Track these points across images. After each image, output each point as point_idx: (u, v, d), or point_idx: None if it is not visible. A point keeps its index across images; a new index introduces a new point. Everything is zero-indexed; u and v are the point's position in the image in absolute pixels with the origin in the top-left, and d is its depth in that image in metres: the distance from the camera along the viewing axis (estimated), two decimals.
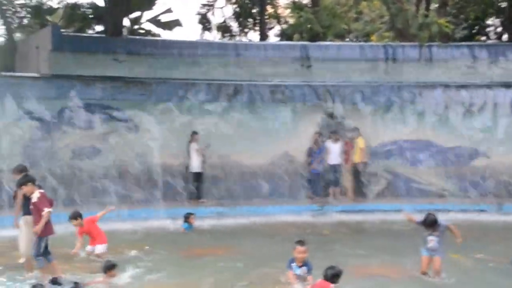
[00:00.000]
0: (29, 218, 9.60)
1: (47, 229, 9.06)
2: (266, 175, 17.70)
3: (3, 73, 16.78)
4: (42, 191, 9.36)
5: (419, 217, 9.33)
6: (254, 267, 10.22)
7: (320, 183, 17.80)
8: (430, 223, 9.04)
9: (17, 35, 22.49)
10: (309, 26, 20.51)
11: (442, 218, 9.28)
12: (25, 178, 9.67)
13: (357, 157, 17.66)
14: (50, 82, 16.52)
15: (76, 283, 8.77)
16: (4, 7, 21.47)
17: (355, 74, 18.71)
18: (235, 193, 17.23)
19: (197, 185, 17.06)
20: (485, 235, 13.51)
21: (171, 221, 14.64)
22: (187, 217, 14.21)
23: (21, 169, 10.38)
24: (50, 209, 8.98)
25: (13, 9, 22.48)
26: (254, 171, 17.61)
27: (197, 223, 14.62)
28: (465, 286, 9.16)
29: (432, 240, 9.08)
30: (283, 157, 17.92)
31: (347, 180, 17.97)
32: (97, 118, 16.82)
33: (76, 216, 11.02)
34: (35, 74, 16.86)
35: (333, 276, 8.37)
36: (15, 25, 22.54)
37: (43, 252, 9.17)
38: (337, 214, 16.29)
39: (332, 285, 8.19)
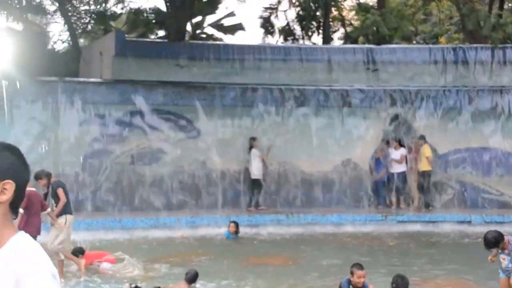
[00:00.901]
0: (69, 217, 10.23)
1: (31, 230, 9.08)
2: (328, 182, 17.51)
3: (67, 78, 17.26)
4: (32, 189, 9.50)
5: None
6: (313, 279, 10.14)
7: (384, 191, 17.47)
8: (487, 244, 7.95)
9: (81, 41, 23.16)
10: (375, 28, 20.28)
11: None
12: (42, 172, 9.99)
13: (422, 166, 17.17)
14: (113, 87, 16.95)
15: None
16: (69, 14, 22.13)
17: (424, 78, 18.36)
18: (295, 200, 17.19)
19: (256, 192, 17.03)
20: None
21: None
22: (229, 226, 14.23)
23: (47, 174, 10.69)
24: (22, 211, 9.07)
25: (78, 15, 23.16)
26: (316, 179, 17.48)
27: (254, 231, 14.72)
28: None
29: (504, 259, 7.96)
30: (347, 165, 17.70)
31: (412, 189, 17.58)
32: (158, 123, 17.06)
33: (77, 253, 10.77)
34: (98, 79, 17.31)
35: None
36: (79, 31, 23.19)
37: None
38: (401, 224, 15.94)
39: None
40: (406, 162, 17.36)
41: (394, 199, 17.34)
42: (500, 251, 7.93)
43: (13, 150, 2.26)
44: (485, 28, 18.43)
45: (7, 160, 2.21)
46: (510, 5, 23.45)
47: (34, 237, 9.24)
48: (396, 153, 17.23)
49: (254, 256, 12.31)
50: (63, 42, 24.24)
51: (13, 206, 2.22)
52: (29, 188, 9.44)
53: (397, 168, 17.23)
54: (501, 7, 22.09)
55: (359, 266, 8.28)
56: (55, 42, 24.56)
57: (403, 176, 17.31)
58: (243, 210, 16.73)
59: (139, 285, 9.03)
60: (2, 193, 2.16)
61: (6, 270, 2.09)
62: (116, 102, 16.75)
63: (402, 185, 17.38)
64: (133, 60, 17.29)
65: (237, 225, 14.24)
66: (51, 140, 15.88)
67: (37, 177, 10.46)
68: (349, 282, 8.26)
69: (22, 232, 2.23)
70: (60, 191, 10.41)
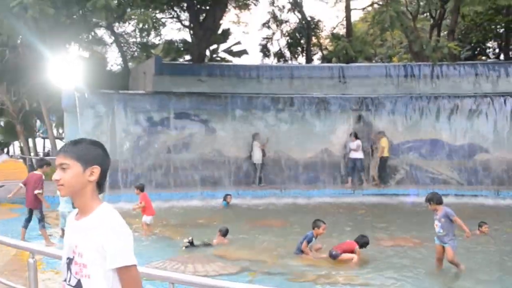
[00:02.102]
0: None
1: (38, 203, 9.18)
2: (311, 165, 17.50)
3: (120, 91, 17.35)
4: (37, 173, 9.37)
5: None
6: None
7: (353, 172, 17.26)
8: (426, 199, 7.48)
9: (130, 64, 23.21)
10: (344, 51, 20.22)
11: (449, 201, 8.05)
12: (42, 161, 9.81)
13: (380, 153, 17.07)
14: (153, 97, 16.97)
15: (208, 243, 9.07)
16: (122, 44, 22.25)
17: (381, 88, 18.32)
18: (287, 179, 17.18)
19: (258, 173, 17.03)
20: (480, 213, 12.56)
21: (241, 200, 14.82)
22: (225, 197, 14.22)
23: None
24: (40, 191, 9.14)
25: (128, 46, 23.29)
26: (302, 163, 17.47)
27: (257, 201, 14.75)
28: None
29: (436, 225, 7.35)
30: (324, 152, 17.66)
31: (373, 171, 17.52)
32: (186, 123, 17.11)
33: (139, 187, 10.71)
34: (143, 92, 17.35)
35: (363, 244, 8.35)
36: (129, 57, 23.29)
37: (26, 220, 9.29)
38: (366, 196, 15.92)
39: (357, 246, 8.22)
40: (363, 151, 17.08)
41: (349, 179, 17.04)
42: (435, 217, 7.38)
43: (99, 144, 2.35)
44: (427, 50, 18.34)
45: (95, 152, 2.29)
46: (445, 32, 23.33)
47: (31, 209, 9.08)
48: (353, 144, 17.02)
49: (258, 220, 12.31)
50: (117, 65, 24.43)
51: (99, 184, 2.30)
52: (35, 172, 9.47)
53: (355, 155, 16.99)
54: (438, 34, 22.05)
55: (322, 221, 8.53)
56: (111, 65, 24.73)
57: (360, 161, 17.02)
58: (248, 186, 16.78)
59: (194, 242, 9.05)
60: (91, 175, 2.26)
61: (92, 237, 2.20)
62: (156, 108, 16.79)
63: (359, 168, 17.05)
64: (168, 77, 17.33)
65: (231, 196, 14.23)
66: (110, 136, 15.86)
67: None
68: (313, 233, 8.43)
69: (105, 203, 2.32)
70: None
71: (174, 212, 13.36)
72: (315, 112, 17.83)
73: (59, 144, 22.64)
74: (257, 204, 14.69)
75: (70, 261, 2.25)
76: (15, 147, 29.39)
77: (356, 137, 17.07)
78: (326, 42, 26.58)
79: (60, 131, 27.78)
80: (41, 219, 9.22)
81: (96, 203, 2.26)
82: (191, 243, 8.97)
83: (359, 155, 16.94)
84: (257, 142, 16.97)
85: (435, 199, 7.38)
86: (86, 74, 16.18)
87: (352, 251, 8.25)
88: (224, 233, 9.48)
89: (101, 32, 22.53)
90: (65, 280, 2.29)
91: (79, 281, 2.21)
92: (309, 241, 8.45)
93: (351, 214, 13.35)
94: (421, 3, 22.16)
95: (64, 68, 15.17)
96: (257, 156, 16.91)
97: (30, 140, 25.62)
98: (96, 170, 2.25)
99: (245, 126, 17.49)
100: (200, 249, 8.96)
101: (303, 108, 17.79)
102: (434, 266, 7.77)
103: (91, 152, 2.26)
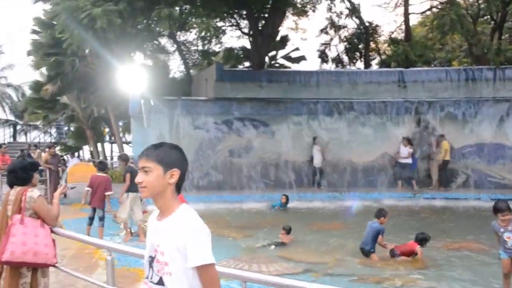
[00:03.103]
0: (131, 194, 9.49)
1: (94, 202, 9.33)
2: (370, 169, 17.15)
3: (183, 97, 17.67)
4: (103, 175, 9.50)
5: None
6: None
7: (413, 175, 16.66)
8: (495, 208, 6.04)
9: (192, 71, 23.61)
10: (404, 56, 19.53)
11: None
12: (103, 164, 10.10)
13: (441, 156, 16.45)
14: (215, 103, 17.18)
15: (280, 242, 9.18)
16: (184, 52, 22.66)
17: (442, 92, 17.58)
18: (346, 182, 16.88)
19: (318, 176, 16.84)
20: None
21: (298, 202, 14.62)
22: (281, 198, 14.01)
23: (124, 158, 10.57)
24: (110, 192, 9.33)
25: (189, 53, 23.68)
26: (361, 166, 17.14)
27: (317, 204, 14.52)
28: None
29: (509, 238, 6.10)
30: (384, 156, 17.26)
31: (434, 174, 16.79)
32: (247, 127, 17.20)
33: None
34: (205, 98, 17.58)
35: (422, 240, 8.22)
36: (190, 64, 23.66)
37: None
38: (426, 200, 15.37)
39: (418, 246, 8.08)
40: (413, 156, 16.61)
41: (398, 183, 16.62)
42: (502, 230, 6.05)
43: (178, 149, 2.34)
44: (489, 53, 17.43)
45: (175, 155, 2.29)
46: (506, 35, 22.01)
47: (94, 208, 9.22)
48: (404, 150, 16.50)
49: (319, 222, 12.12)
50: (179, 72, 24.86)
51: (178, 186, 2.29)
52: (99, 174, 9.54)
53: (404, 160, 16.49)
54: (499, 37, 20.85)
55: (385, 210, 8.66)
56: (174, 73, 25.21)
57: (408, 166, 16.51)
58: (308, 189, 16.57)
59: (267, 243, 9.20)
60: (171, 177, 2.25)
61: (172, 237, 2.20)
62: (217, 113, 17.04)
63: (407, 173, 16.55)
64: (229, 83, 17.44)
65: (287, 197, 14.02)
66: (174, 140, 16.18)
67: (119, 158, 10.32)
68: (379, 224, 8.42)
69: (185, 204, 2.30)
70: (127, 176, 9.52)
71: (235, 213, 13.41)
72: (374, 116, 17.45)
73: (126, 148, 23.37)
74: (317, 207, 14.50)
75: (152, 259, 2.26)
76: (85, 151, 30.64)
77: (409, 142, 16.57)
78: (384, 47, 25.83)
79: (127, 136, 28.70)
80: (102, 218, 9.39)
81: (176, 204, 2.25)
82: (275, 244, 9.09)
83: (408, 160, 16.50)
84: (318, 146, 16.83)
85: (503, 208, 6.05)
86: (151, 81, 16.55)
87: (412, 252, 8.17)
88: (288, 230, 9.52)
89: (164, 41, 23.00)
90: (147, 277, 2.31)
91: (161, 278, 2.22)
92: (383, 234, 8.37)
93: (412, 217, 12.95)
94: (482, 6, 21.05)
95: (130, 76, 15.60)
96: (317, 160, 16.75)
97: (99, 145, 26.68)
98: (176, 172, 2.24)
99: (304, 131, 17.39)
100: (265, 249, 8.92)
101: (362, 112, 17.45)
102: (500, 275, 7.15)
103: (171, 156, 2.26)
